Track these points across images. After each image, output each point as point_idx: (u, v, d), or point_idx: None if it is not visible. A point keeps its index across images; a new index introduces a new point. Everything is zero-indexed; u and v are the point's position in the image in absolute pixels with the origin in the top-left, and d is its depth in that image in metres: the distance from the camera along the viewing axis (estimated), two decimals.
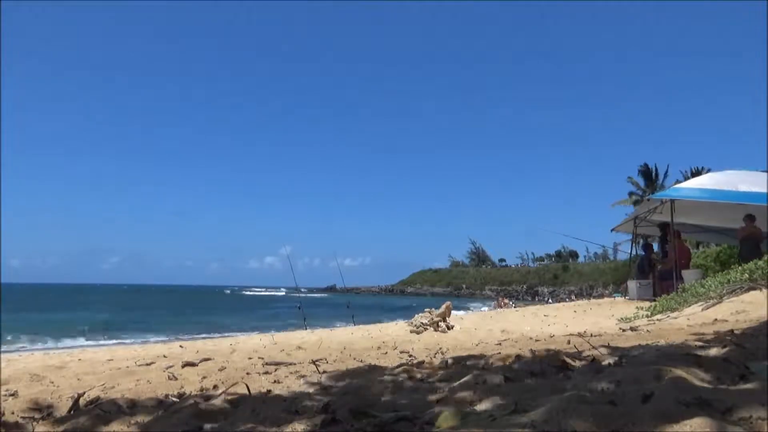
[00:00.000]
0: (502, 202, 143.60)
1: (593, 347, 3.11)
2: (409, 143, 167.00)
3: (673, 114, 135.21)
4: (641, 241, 13.91)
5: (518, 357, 2.76)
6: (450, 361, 3.04)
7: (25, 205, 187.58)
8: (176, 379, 3.60)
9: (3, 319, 19.93)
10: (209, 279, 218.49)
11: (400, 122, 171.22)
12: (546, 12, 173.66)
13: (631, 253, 14.55)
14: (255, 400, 2.15)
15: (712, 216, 12.57)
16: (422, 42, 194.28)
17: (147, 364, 4.48)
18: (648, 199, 14.13)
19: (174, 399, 2.63)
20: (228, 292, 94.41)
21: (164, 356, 5.07)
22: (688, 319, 5.73)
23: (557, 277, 73.13)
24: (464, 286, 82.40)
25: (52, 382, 3.78)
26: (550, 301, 44.53)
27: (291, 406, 1.92)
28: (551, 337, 5.19)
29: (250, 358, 4.65)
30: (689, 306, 6.83)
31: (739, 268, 7.48)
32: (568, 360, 2.45)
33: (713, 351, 2.26)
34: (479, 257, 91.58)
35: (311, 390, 2.45)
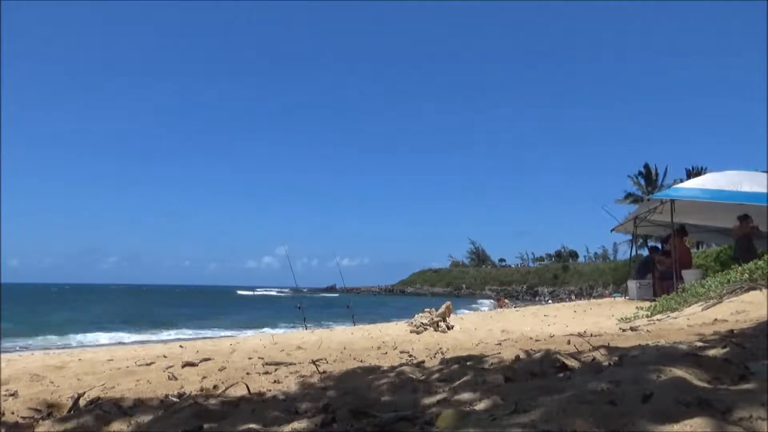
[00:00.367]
0: (502, 202, 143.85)
1: (593, 347, 3.11)
2: (409, 143, 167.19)
3: (673, 114, 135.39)
4: (649, 242, 13.90)
5: (518, 357, 2.76)
6: (450, 361, 3.04)
7: (25, 205, 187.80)
8: (176, 379, 3.60)
9: (3, 319, 19.95)
10: (208, 279, 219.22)
11: (400, 122, 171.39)
12: (546, 12, 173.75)
13: (631, 253, 14.56)
14: (255, 400, 2.15)
15: (712, 216, 12.58)
16: (422, 42, 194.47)
17: (147, 364, 4.47)
18: (648, 199, 14.13)
19: (174, 399, 2.63)
20: (227, 292, 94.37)
21: (164, 356, 5.07)
22: (688, 319, 5.73)
23: (557, 277, 73.12)
24: (464, 286, 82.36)
25: (52, 382, 3.77)
26: (549, 301, 44.52)
27: (291, 406, 1.92)
28: (551, 337, 5.19)
29: (250, 358, 4.64)
30: (689, 306, 6.83)
31: (739, 268, 7.48)
32: (568, 360, 2.45)
33: (713, 351, 2.26)
34: (479, 257, 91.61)
35: (311, 390, 2.45)
